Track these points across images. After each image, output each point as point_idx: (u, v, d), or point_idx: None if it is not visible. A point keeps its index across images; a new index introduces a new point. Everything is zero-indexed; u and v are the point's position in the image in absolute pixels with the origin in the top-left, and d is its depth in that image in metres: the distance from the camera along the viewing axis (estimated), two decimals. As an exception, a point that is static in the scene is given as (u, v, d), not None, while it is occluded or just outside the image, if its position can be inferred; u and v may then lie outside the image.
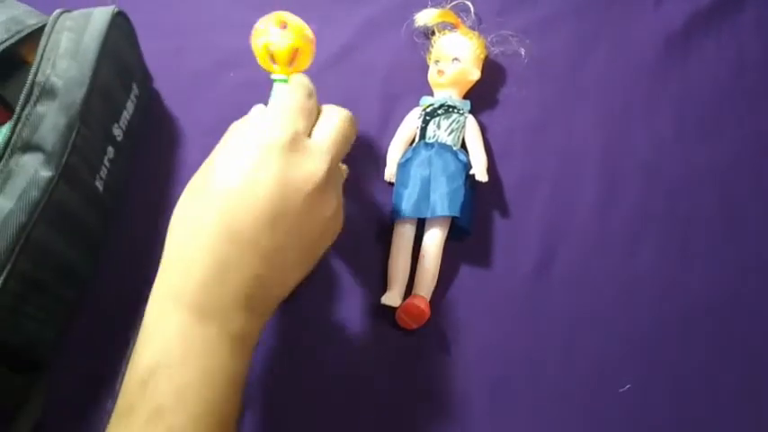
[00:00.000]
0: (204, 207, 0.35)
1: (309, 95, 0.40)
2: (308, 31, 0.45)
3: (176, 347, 0.32)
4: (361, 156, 0.54)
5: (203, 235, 0.34)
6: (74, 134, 0.41)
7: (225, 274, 0.34)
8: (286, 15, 0.45)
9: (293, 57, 0.44)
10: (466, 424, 0.47)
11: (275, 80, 0.44)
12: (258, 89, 0.56)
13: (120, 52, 0.46)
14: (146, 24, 0.58)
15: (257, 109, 0.40)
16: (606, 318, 0.50)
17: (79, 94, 0.41)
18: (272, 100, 0.42)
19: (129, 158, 0.50)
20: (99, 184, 0.46)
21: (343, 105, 0.55)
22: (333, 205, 0.38)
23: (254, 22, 0.58)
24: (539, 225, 0.52)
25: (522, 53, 0.57)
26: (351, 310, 0.49)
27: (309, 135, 0.39)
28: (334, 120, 0.40)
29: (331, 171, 0.37)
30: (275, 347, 0.48)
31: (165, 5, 0.59)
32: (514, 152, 0.55)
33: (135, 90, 0.49)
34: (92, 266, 0.47)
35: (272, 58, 0.44)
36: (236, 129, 0.38)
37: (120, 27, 0.47)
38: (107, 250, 0.49)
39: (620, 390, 0.48)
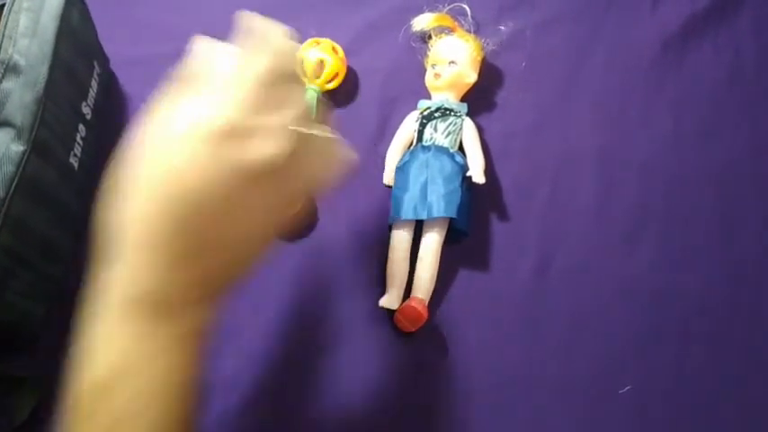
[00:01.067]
0: (139, 212, 0.32)
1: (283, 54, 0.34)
2: (340, 51, 0.55)
3: (132, 354, 0.32)
4: (359, 159, 0.54)
5: (139, 242, 0.32)
6: (41, 109, 0.42)
7: (168, 275, 0.32)
8: (321, 39, 0.55)
9: (320, 69, 0.53)
10: (466, 425, 0.47)
11: (306, 89, 0.51)
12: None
13: (77, 30, 0.48)
14: (146, 28, 0.58)
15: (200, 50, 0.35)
16: (605, 319, 0.50)
17: (42, 70, 0.43)
18: None
19: (99, 137, 0.52)
20: (74, 162, 0.47)
21: (342, 110, 0.56)
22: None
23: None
24: (537, 227, 0.52)
25: (520, 56, 0.57)
26: (349, 312, 0.49)
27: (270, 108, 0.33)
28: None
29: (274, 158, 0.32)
30: (275, 349, 0.48)
31: (166, 9, 0.59)
32: (512, 154, 0.55)
33: (96, 68, 0.51)
34: (72, 243, 0.49)
35: (304, 71, 0.54)
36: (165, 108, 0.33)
37: (75, 6, 0.48)
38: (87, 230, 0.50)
39: (620, 391, 0.48)
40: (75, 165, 0.47)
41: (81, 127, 0.48)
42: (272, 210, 0.35)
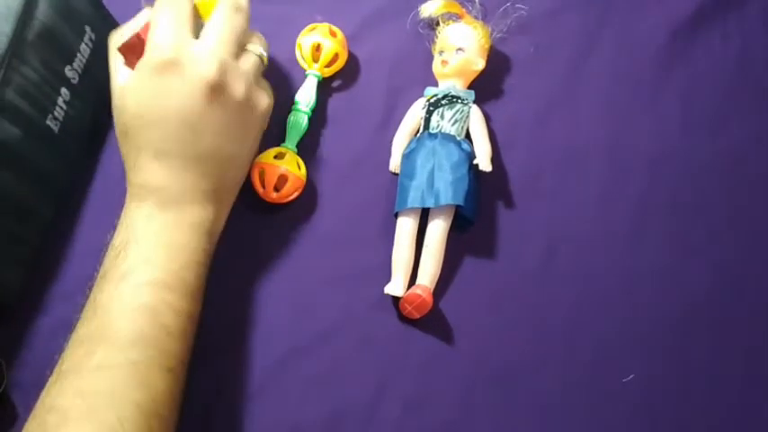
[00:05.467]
0: (132, 133, 0.43)
1: None
2: (339, 34, 0.54)
3: (142, 229, 0.42)
4: (365, 147, 0.54)
5: (143, 157, 0.43)
6: (3, 68, 0.43)
7: (174, 178, 0.42)
8: (319, 24, 0.55)
9: (317, 52, 0.54)
10: (468, 413, 0.47)
11: (306, 75, 0.54)
12: (267, 79, 0.56)
13: None
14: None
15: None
16: (609, 309, 0.50)
17: (6, 28, 0.43)
18: (301, 89, 0.53)
19: (89, 102, 0.51)
20: (52, 124, 0.47)
21: (348, 97, 0.56)
22: (240, 92, 0.43)
23: (262, 15, 0.58)
24: (542, 216, 0.52)
25: (528, 43, 0.57)
26: (354, 299, 0.50)
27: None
28: (218, 16, 0.45)
29: (224, 66, 0.43)
30: (279, 335, 0.48)
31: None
32: (519, 143, 0.55)
33: (89, 33, 0.50)
34: (52, 207, 0.49)
35: (302, 56, 0.54)
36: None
37: None
38: (76, 197, 0.51)
39: (624, 380, 0.48)
40: (56, 128, 0.47)
41: (64, 91, 0.48)
42: (249, 134, 0.46)
